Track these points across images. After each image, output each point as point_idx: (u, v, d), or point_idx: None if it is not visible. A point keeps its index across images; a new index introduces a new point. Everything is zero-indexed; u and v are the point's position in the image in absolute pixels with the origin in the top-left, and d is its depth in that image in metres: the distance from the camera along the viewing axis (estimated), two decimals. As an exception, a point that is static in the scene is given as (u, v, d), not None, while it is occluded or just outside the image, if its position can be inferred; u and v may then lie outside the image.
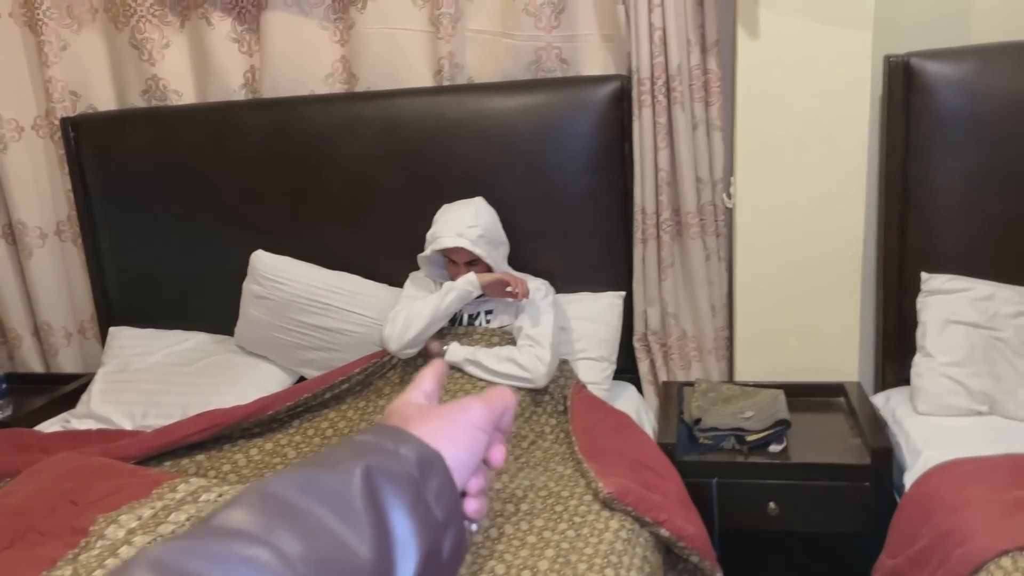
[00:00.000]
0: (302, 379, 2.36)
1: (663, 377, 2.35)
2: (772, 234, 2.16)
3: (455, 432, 0.56)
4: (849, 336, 2.19)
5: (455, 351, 2.03)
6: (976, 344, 2.00)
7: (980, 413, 1.98)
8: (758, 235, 2.17)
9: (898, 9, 2.14)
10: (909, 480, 1.79)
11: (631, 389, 2.36)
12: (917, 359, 2.08)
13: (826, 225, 2.12)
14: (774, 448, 1.95)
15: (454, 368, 2.02)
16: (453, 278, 2.08)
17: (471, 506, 0.56)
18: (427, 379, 0.64)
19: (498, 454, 0.59)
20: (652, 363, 2.36)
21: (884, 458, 1.84)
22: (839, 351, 2.20)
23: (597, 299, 2.32)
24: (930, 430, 1.95)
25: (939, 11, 2.14)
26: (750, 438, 1.96)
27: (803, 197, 2.12)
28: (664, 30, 2.08)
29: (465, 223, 2.05)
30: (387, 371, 2.13)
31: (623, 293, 2.33)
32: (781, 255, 2.17)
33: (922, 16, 2.15)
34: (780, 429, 1.96)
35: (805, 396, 2.19)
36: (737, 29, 2.05)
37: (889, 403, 2.13)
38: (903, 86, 2.05)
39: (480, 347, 2.05)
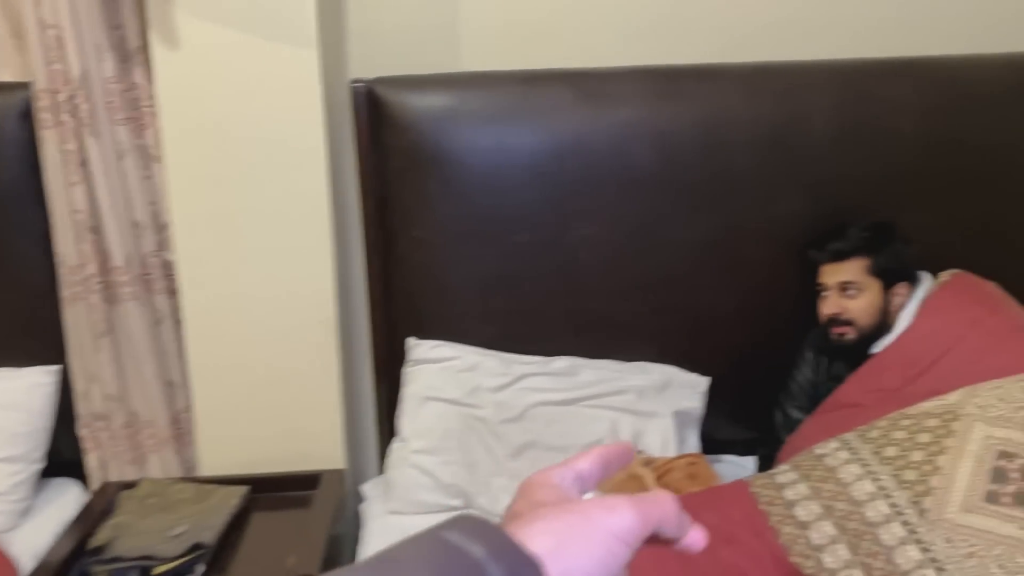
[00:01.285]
0: None
1: (114, 474, 1.84)
2: (224, 294, 1.73)
3: (591, 537, 0.44)
4: (330, 416, 1.81)
5: None
6: (453, 427, 1.70)
7: (454, 509, 1.67)
8: (208, 296, 1.73)
9: (373, 28, 1.80)
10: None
11: (74, 491, 1.84)
12: (394, 445, 1.74)
13: (291, 284, 1.73)
14: (187, 581, 1.51)
15: None
16: None
17: None
18: (587, 458, 0.50)
19: None
20: (102, 456, 1.84)
21: (305, 590, 1.46)
22: (320, 434, 1.82)
23: (16, 377, 1.77)
24: (392, 534, 1.60)
25: (423, 32, 1.82)
26: (158, 570, 1.50)
27: (257, 248, 1.71)
28: (59, 28, 1.58)
29: None
30: None
31: (57, 367, 1.80)
32: (240, 320, 1.74)
33: (404, 36, 1.81)
34: (196, 555, 1.52)
35: (276, 491, 1.79)
36: (150, 34, 1.59)
37: (372, 496, 1.78)
38: (369, 117, 1.70)
39: None
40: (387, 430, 1.86)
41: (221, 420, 1.79)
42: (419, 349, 1.78)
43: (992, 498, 1.15)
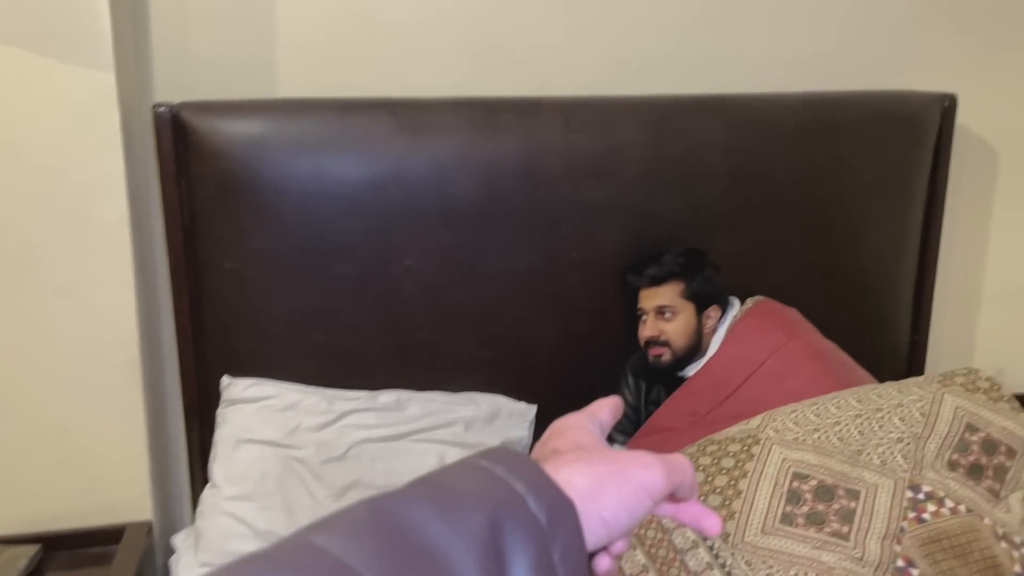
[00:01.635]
0: None
1: None
2: (11, 333, 1.57)
3: (624, 486, 0.48)
4: (135, 464, 1.68)
5: None
6: (271, 470, 1.61)
7: (272, 557, 1.59)
8: (-11, 337, 1.56)
9: (182, 52, 1.70)
10: None
11: None
12: (205, 492, 1.64)
13: (88, 322, 1.60)
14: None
15: None
16: None
17: (603, 564, 0.50)
18: (606, 408, 0.56)
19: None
20: None
21: (101, 658, 1.33)
22: (125, 484, 1.68)
23: None
24: (200, 592, 1.50)
25: (237, 57, 1.74)
26: (-77, 649, 1.34)
27: (50, 283, 1.57)
28: None
29: None
30: None
31: None
32: (29, 362, 1.59)
33: (217, 61, 1.73)
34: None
35: (74, 548, 1.64)
36: (-86, 49, 1.43)
37: (183, 548, 1.66)
38: (175, 144, 1.60)
39: None
40: (201, 476, 1.74)
41: (7, 474, 1.62)
42: (233, 388, 1.69)
43: (788, 519, 1.21)
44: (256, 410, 1.67)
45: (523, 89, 1.83)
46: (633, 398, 1.82)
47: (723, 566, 1.18)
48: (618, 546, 0.51)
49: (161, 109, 1.59)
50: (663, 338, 1.73)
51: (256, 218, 1.65)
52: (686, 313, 1.74)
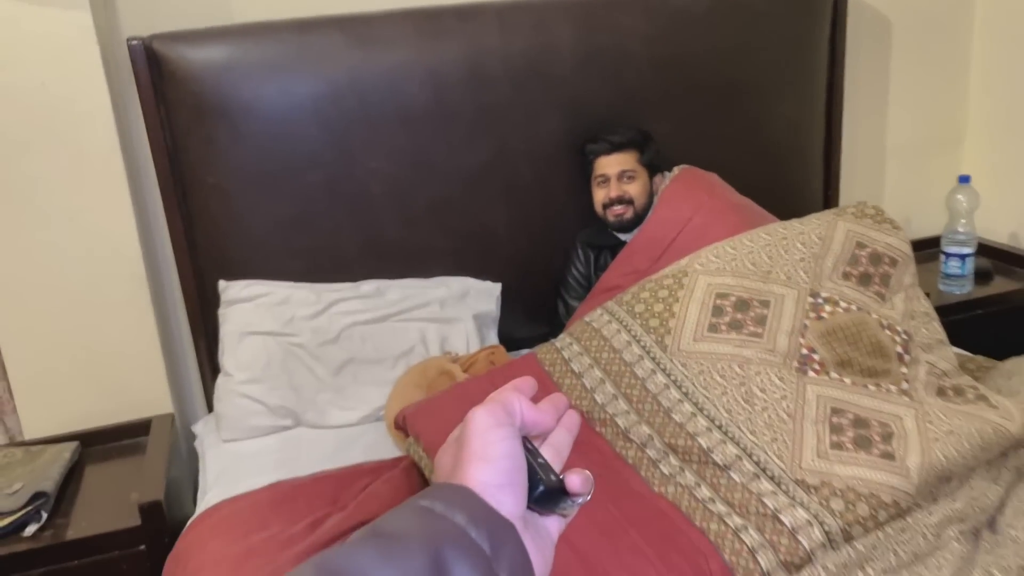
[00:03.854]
0: None
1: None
2: (27, 262, 1.76)
3: (523, 468, 0.50)
4: (152, 366, 1.89)
5: None
6: (274, 356, 1.84)
7: (286, 428, 1.83)
8: (9, 265, 1.75)
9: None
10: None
11: None
12: (219, 380, 1.86)
13: (95, 244, 1.79)
14: (30, 530, 1.57)
15: None
16: None
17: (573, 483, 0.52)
18: (514, 398, 0.53)
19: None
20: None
21: (155, 515, 1.56)
22: (145, 384, 1.90)
23: None
24: (227, 460, 1.74)
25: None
26: (0, 523, 1.56)
27: (56, 213, 1.75)
28: None
29: None
30: None
31: None
32: (47, 286, 1.78)
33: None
34: (37, 504, 1.59)
35: (108, 443, 1.86)
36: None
37: (204, 432, 1.89)
38: (151, 74, 1.77)
39: None
40: (209, 372, 1.96)
41: (38, 381, 1.83)
42: (231, 290, 1.90)
43: (713, 328, 1.48)
44: (254, 307, 1.88)
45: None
46: (584, 267, 2.07)
47: (664, 370, 1.45)
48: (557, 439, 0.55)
49: (135, 42, 1.75)
50: (627, 197, 1.97)
51: (231, 136, 1.83)
52: (643, 178, 1.98)
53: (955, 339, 1.96)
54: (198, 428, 1.93)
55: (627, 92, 2.10)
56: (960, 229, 2.30)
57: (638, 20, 2.09)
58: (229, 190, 1.85)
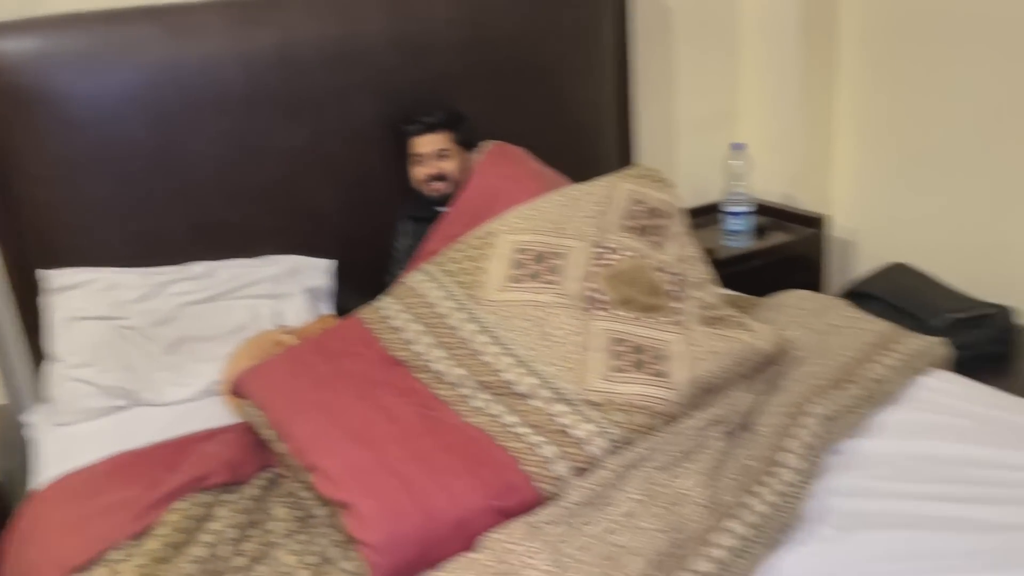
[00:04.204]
0: None
1: None
2: None
3: None
4: (-24, 358, 1.89)
5: None
6: (105, 338, 1.88)
7: (121, 408, 1.88)
8: None
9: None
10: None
11: None
12: (49, 366, 1.88)
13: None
14: None
15: None
16: None
17: None
18: None
19: None
20: None
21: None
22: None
23: None
24: (63, 443, 1.78)
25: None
26: None
27: None
28: None
29: None
30: None
31: None
32: None
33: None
34: None
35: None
36: None
37: (36, 420, 1.91)
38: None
39: None
40: (40, 362, 1.97)
41: None
42: (58, 278, 1.92)
43: (515, 280, 1.68)
44: (81, 294, 1.91)
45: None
46: (410, 238, 2.22)
47: (475, 319, 1.63)
48: None
49: (-62, 35, 1.74)
50: (443, 173, 2.13)
51: (49, 126, 1.85)
52: (457, 155, 2.15)
53: (738, 286, 2.27)
54: (30, 417, 1.94)
55: (437, 74, 2.27)
56: (737, 190, 2.63)
57: (443, 5, 2.25)
58: (52, 178, 1.88)
